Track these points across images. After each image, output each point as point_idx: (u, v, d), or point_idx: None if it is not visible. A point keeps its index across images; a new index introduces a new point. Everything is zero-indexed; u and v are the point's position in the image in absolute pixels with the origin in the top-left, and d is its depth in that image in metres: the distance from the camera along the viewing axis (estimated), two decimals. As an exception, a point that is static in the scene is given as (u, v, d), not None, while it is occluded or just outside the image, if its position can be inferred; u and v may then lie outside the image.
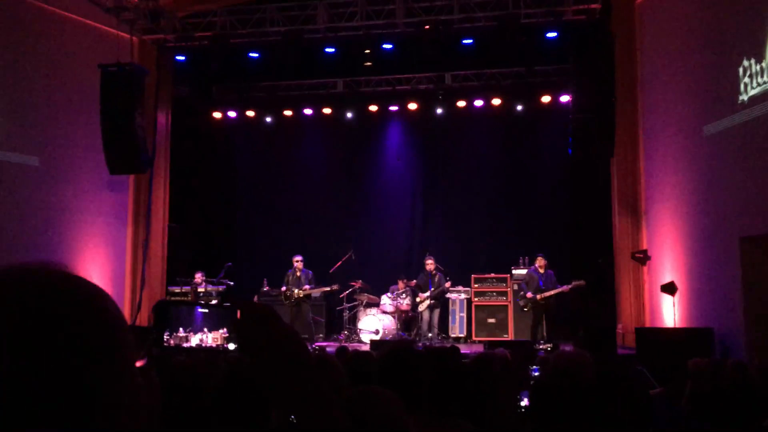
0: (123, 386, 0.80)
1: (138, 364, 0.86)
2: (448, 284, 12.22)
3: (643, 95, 11.57)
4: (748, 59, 8.74)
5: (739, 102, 8.94)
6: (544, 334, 11.66)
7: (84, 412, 0.75)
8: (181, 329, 1.95)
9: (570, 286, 11.29)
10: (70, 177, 11.78)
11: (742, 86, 8.88)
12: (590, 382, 1.96)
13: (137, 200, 12.84)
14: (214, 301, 10.16)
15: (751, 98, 8.73)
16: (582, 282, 11.23)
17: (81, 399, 0.75)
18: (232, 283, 12.30)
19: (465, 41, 11.97)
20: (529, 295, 11.55)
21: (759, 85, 8.57)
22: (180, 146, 13.65)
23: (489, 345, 10.18)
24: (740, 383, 5.78)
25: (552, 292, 11.39)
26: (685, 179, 10.32)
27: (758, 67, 8.58)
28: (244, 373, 2.29)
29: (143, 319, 12.00)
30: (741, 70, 8.88)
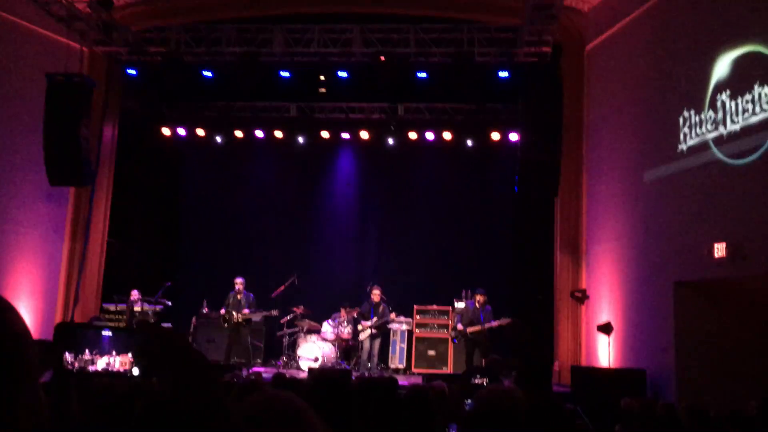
0: (23, 399, 0.77)
1: (43, 378, 0.83)
2: (393, 315, 12.20)
3: (588, 138, 11.90)
4: (689, 110, 9.10)
5: (678, 151, 9.27)
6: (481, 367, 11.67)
7: None
8: (87, 351, 1.89)
9: (498, 323, 11.29)
10: (7, 185, 11.41)
11: (681, 135, 9.23)
12: (519, 419, 1.97)
13: (77, 214, 12.49)
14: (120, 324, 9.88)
15: (690, 148, 9.07)
16: (509, 320, 11.25)
17: None
18: (170, 303, 12.03)
19: (419, 74, 12.13)
20: (460, 327, 11.59)
21: (698, 135, 8.92)
22: (126, 161, 13.38)
23: (428, 377, 10.17)
24: (669, 424, 5.91)
25: (484, 326, 11.34)
26: (624, 222, 10.61)
27: (697, 118, 8.93)
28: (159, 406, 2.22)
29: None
30: (681, 120, 9.24)
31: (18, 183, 11.56)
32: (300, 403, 1.42)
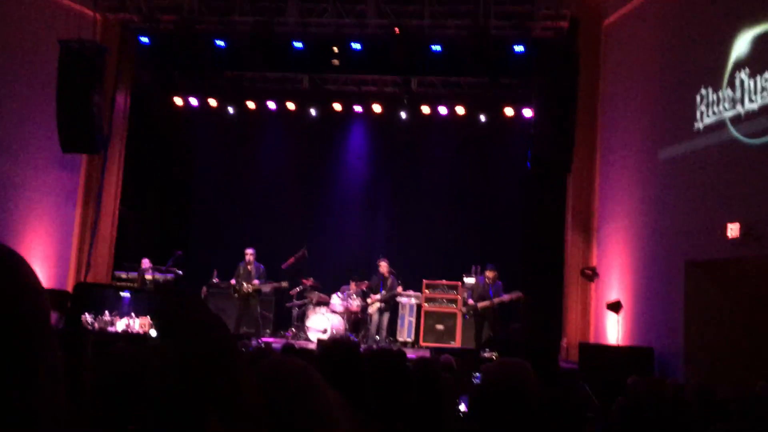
0: (36, 345, 0.77)
1: (55, 323, 0.83)
2: (399, 288, 12.23)
3: (603, 114, 11.79)
4: (706, 88, 8.98)
5: (694, 129, 9.17)
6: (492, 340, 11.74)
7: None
8: (106, 312, 1.90)
9: (509, 296, 11.33)
10: (20, 152, 11.45)
11: (698, 114, 9.11)
12: (531, 391, 1.97)
13: (89, 181, 12.54)
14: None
15: (706, 126, 8.96)
16: (520, 294, 11.29)
17: None
18: (180, 272, 12.11)
19: (433, 47, 12.02)
20: (471, 302, 11.62)
21: (715, 114, 8.80)
22: (138, 130, 13.39)
23: (436, 351, 10.21)
24: (677, 403, 5.91)
25: (494, 301, 11.39)
26: (637, 200, 10.54)
27: (715, 97, 8.81)
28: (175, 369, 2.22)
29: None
30: (698, 97, 9.12)
31: (31, 150, 11.60)
32: (309, 369, 1.43)
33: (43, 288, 0.85)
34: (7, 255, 0.81)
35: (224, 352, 1.01)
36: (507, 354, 8.16)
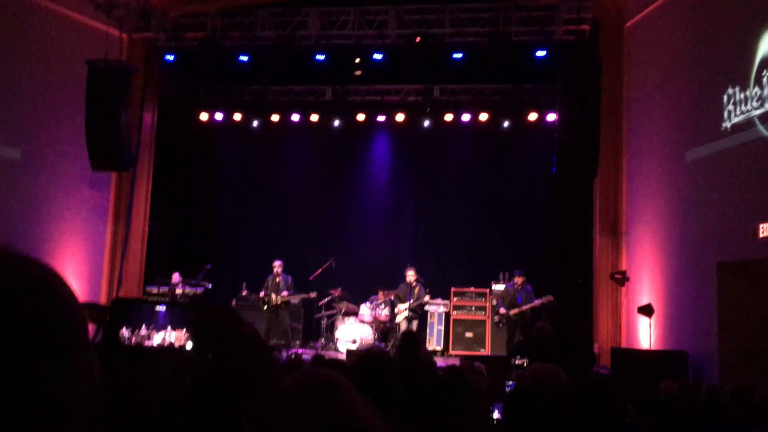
0: (75, 362, 0.79)
1: (93, 339, 0.85)
2: (427, 297, 12.21)
3: (628, 117, 11.69)
4: (733, 87, 8.87)
5: (722, 129, 9.06)
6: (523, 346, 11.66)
7: (34, 392, 0.74)
8: (143, 327, 1.93)
9: (540, 301, 11.28)
10: (51, 172, 11.67)
11: (726, 113, 9.00)
12: (565, 396, 1.96)
13: (118, 198, 12.73)
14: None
15: (734, 126, 8.85)
16: (551, 298, 11.23)
17: (31, 380, 0.74)
18: (210, 285, 12.22)
19: (455, 55, 12.03)
20: (502, 310, 11.57)
21: (742, 113, 8.69)
22: (165, 146, 13.57)
23: (465, 359, 10.17)
24: (712, 407, 5.83)
25: (524, 308, 11.35)
26: (666, 202, 10.43)
27: (742, 96, 8.70)
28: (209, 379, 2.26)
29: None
30: (725, 97, 9.01)
31: (62, 168, 11.82)
32: (342, 379, 1.44)
33: (79, 302, 0.86)
34: (43, 269, 0.83)
35: (260, 361, 1.03)
36: (537, 359, 8.10)
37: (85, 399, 0.81)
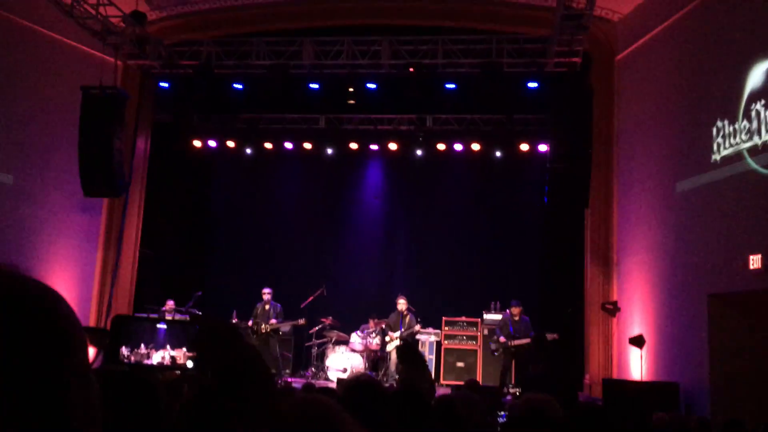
0: (74, 387, 0.79)
1: (93, 363, 0.85)
2: (418, 326, 12.16)
3: (618, 148, 11.80)
4: (722, 120, 8.98)
5: (712, 161, 9.15)
6: (512, 380, 11.61)
7: (33, 413, 0.74)
8: (142, 345, 1.92)
9: (550, 337, 11.16)
10: (43, 197, 11.64)
11: (715, 146, 9.10)
12: (560, 426, 1.95)
13: (110, 224, 12.69)
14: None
15: (723, 158, 8.95)
16: (556, 336, 11.10)
17: (30, 400, 0.74)
18: (200, 312, 12.13)
19: (448, 85, 12.15)
20: (502, 339, 11.51)
21: (731, 145, 8.79)
22: (157, 172, 13.57)
23: (456, 389, 10.10)
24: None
25: (524, 341, 11.30)
26: (656, 233, 10.48)
27: (731, 128, 8.81)
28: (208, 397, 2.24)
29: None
30: (715, 130, 9.12)
31: (53, 194, 11.79)
32: (336, 405, 1.44)
33: (80, 324, 0.86)
34: (43, 290, 0.83)
35: (261, 380, 1.03)
36: (531, 390, 8.06)
37: (84, 423, 0.80)
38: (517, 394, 9.50)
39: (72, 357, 0.80)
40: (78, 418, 0.79)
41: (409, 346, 5.32)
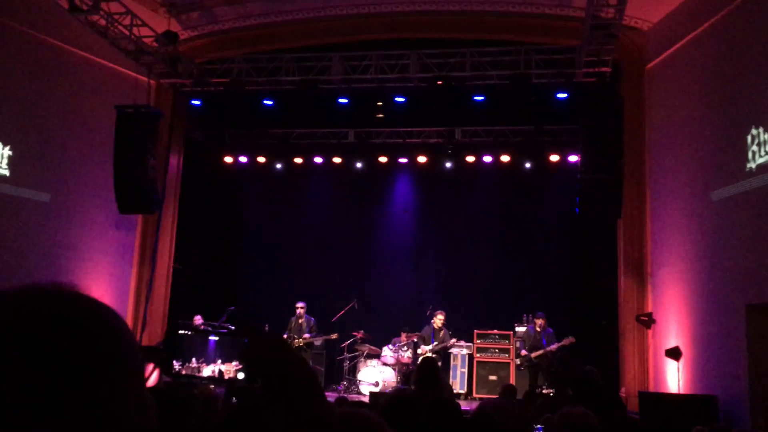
0: (132, 404, 0.81)
1: (149, 382, 0.88)
2: (452, 341, 12.11)
3: (650, 158, 11.67)
4: (757, 128, 8.84)
5: (747, 170, 9.00)
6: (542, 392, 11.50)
7: (91, 418, 0.76)
8: (193, 359, 1.94)
9: (560, 344, 11.15)
10: (79, 214, 11.87)
11: (750, 154, 8.96)
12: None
13: (144, 240, 12.88)
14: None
15: (759, 166, 8.79)
16: (572, 339, 11.09)
17: (90, 421, 0.76)
18: (233, 327, 12.22)
19: (476, 97, 12.14)
20: (524, 353, 11.46)
21: (766, 153, 8.64)
22: (190, 188, 13.76)
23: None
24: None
25: (547, 350, 11.22)
26: (692, 243, 10.32)
27: (766, 136, 8.66)
28: (247, 408, 2.27)
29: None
30: (749, 138, 8.97)
31: (89, 212, 12.01)
32: (377, 419, 1.47)
33: (138, 343, 0.89)
34: (105, 310, 0.86)
35: (312, 389, 1.05)
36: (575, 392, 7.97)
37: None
38: (551, 394, 9.44)
39: (132, 377, 0.83)
40: (133, 425, 0.81)
41: (426, 364, 5.30)
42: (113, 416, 0.78)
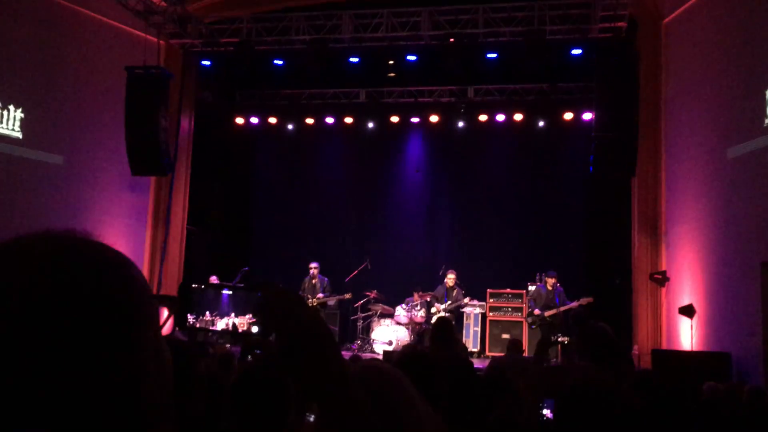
0: (147, 354, 0.80)
1: (164, 330, 0.87)
2: (467, 299, 12.15)
3: (666, 115, 11.51)
4: (775, 82, 8.67)
5: (765, 125, 8.87)
6: (558, 352, 11.56)
7: (107, 379, 0.75)
8: (207, 313, 1.95)
9: (578, 302, 11.15)
10: (92, 177, 11.92)
11: (767, 110, 8.81)
12: (620, 399, 1.93)
13: (157, 202, 12.94)
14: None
15: (777, 122, 8.65)
16: (590, 299, 11.08)
17: (104, 366, 0.75)
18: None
19: (489, 55, 11.97)
20: (537, 311, 11.48)
21: (785, 108, 8.50)
22: (201, 150, 13.76)
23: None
24: (756, 408, 5.70)
25: (561, 309, 11.25)
26: (706, 201, 10.24)
27: (785, 91, 8.51)
28: (258, 373, 2.29)
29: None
30: (767, 93, 8.81)
31: (102, 174, 12.06)
32: (397, 371, 1.47)
33: (152, 291, 0.87)
34: (119, 256, 0.85)
35: (328, 343, 1.05)
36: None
37: (156, 391, 0.82)
38: (565, 342, 9.53)
39: (147, 324, 0.82)
40: (151, 386, 0.80)
41: (441, 324, 5.32)
42: (128, 363, 0.78)
